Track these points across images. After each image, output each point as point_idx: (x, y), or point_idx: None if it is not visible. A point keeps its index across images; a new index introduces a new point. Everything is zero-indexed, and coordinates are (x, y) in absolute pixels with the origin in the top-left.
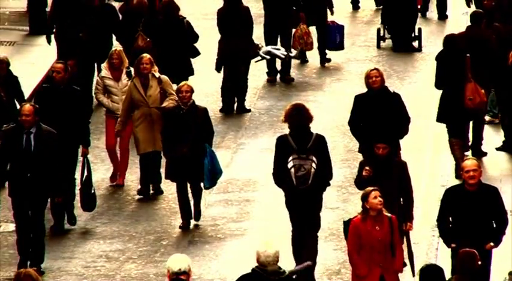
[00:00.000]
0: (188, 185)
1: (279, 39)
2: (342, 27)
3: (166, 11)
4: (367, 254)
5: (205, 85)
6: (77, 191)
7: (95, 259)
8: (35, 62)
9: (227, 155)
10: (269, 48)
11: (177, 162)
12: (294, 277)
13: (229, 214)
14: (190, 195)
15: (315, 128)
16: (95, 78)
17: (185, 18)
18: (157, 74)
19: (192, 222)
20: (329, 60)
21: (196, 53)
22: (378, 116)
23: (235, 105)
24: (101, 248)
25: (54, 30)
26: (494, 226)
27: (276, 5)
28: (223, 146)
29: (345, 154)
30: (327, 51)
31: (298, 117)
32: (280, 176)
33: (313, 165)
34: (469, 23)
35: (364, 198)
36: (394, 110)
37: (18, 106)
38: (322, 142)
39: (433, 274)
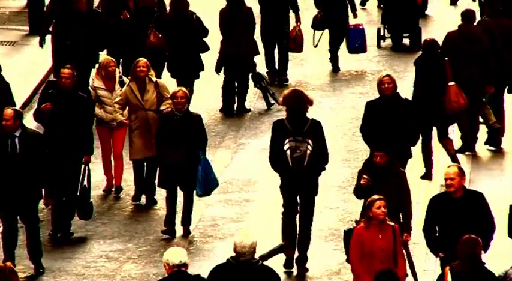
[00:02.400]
0: (181, 192)
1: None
2: (362, 30)
3: (176, 7)
4: (369, 263)
5: (205, 85)
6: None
7: (95, 259)
8: (34, 62)
9: (227, 155)
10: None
11: (171, 169)
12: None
13: (229, 214)
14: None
15: None
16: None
17: (195, 13)
18: (154, 79)
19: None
20: (338, 69)
21: (206, 48)
22: (390, 123)
23: (235, 105)
24: (100, 248)
25: (50, 31)
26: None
27: (272, 6)
28: (223, 146)
29: (345, 154)
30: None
31: (296, 100)
32: (276, 159)
33: (309, 147)
34: (464, 20)
35: (368, 206)
36: (405, 117)
37: None
38: (318, 127)
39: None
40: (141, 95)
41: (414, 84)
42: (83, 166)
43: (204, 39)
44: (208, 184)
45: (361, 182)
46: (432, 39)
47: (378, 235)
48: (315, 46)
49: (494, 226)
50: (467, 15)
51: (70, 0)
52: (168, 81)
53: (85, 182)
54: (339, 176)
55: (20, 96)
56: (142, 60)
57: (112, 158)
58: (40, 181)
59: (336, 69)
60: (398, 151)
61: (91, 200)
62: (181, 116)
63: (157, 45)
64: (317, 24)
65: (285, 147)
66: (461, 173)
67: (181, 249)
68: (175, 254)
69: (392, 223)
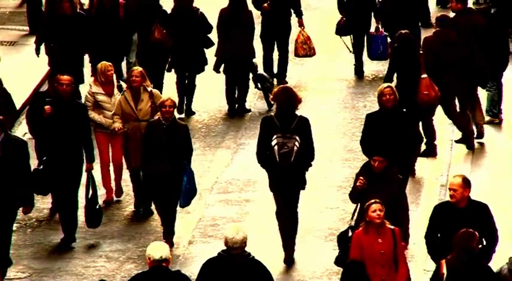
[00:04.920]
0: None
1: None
2: (385, 36)
3: (180, 2)
4: (369, 267)
5: (205, 85)
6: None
7: (95, 259)
8: (34, 62)
9: (227, 155)
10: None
11: (155, 179)
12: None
13: (229, 214)
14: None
15: (315, 128)
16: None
17: (199, 9)
18: (149, 88)
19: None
20: (362, 74)
21: (210, 43)
22: (390, 135)
23: (236, 105)
24: (101, 248)
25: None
26: (484, 243)
27: (274, 8)
28: (223, 146)
29: (345, 154)
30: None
31: (285, 98)
32: (263, 154)
33: (296, 144)
34: (440, 25)
35: (365, 210)
36: (405, 129)
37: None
38: (305, 123)
39: (356, 270)
40: (135, 104)
41: (386, 73)
42: (85, 173)
43: (208, 35)
44: (190, 194)
45: (357, 184)
46: (406, 32)
47: (377, 239)
48: (351, 51)
49: (497, 238)
50: (442, 20)
51: (55, 5)
52: (170, 80)
53: (91, 190)
54: (339, 176)
55: (19, 96)
56: (137, 70)
57: (111, 164)
58: (21, 190)
59: (360, 74)
60: (399, 165)
61: (98, 207)
62: (168, 125)
63: (161, 42)
64: (341, 30)
65: (273, 143)
66: (464, 184)
67: (163, 244)
68: (156, 249)
69: (392, 227)
